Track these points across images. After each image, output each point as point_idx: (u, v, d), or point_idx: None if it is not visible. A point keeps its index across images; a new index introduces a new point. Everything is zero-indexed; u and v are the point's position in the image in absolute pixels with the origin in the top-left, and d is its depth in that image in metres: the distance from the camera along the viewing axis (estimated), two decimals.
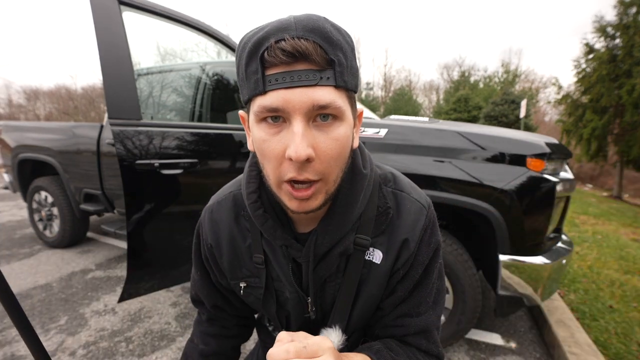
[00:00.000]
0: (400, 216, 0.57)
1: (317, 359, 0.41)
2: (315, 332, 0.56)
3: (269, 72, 0.43)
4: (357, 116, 0.51)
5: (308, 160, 0.43)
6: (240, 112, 0.57)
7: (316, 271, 0.56)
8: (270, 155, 0.45)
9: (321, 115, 0.44)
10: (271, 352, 0.40)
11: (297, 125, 0.42)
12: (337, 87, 0.44)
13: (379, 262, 0.56)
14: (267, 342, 0.77)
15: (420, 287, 0.60)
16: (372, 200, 0.57)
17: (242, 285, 0.63)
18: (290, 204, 0.48)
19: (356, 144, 0.52)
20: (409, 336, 0.60)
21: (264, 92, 0.43)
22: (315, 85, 0.42)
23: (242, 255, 0.62)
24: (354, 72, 0.47)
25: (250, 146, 0.54)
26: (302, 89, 0.42)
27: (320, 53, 0.42)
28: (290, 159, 0.43)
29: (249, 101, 0.47)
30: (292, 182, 0.46)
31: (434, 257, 0.59)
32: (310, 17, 0.43)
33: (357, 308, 0.57)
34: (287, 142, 0.43)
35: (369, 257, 0.57)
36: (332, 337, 0.55)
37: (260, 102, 0.44)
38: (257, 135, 0.46)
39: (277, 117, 0.44)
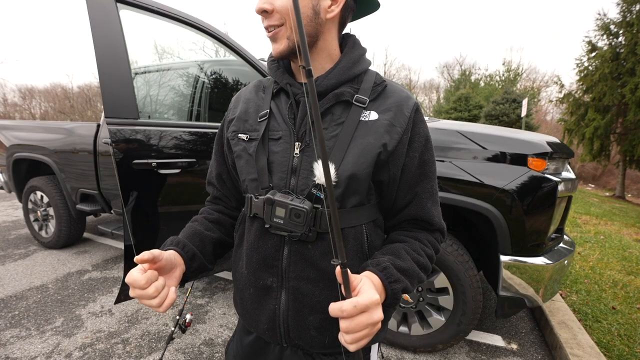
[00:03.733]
0: (394, 91, 0.70)
1: (367, 312, 0.50)
2: (301, 188, 0.65)
3: None
4: None
5: (266, 12, 0.63)
6: None
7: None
8: (257, 13, 0.66)
9: None
10: (330, 308, 0.50)
11: None
12: None
13: (374, 119, 0.66)
14: (250, 233, 0.74)
15: (425, 178, 0.71)
16: (370, 77, 0.70)
17: (242, 136, 0.73)
18: (272, 48, 0.67)
19: (329, 15, 0.64)
20: (420, 213, 0.71)
21: None
22: None
23: (251, 112, 0.74)
24: None
25: None
26: None
27: None
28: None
29: None
30: (265, 29, 0.66)
31: (427, 145, 0.70)
32: None
33: (352, 152, 0.64)
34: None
35: (365, 117, 0.66)
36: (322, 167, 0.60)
37: None
38: None
39: None
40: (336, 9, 0.64)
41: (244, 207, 0.76)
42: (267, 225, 0.66)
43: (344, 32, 0.73)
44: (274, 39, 0.65)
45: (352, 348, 0.51)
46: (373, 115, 0.66)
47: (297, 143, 0.67)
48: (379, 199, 0.73)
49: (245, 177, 0.72)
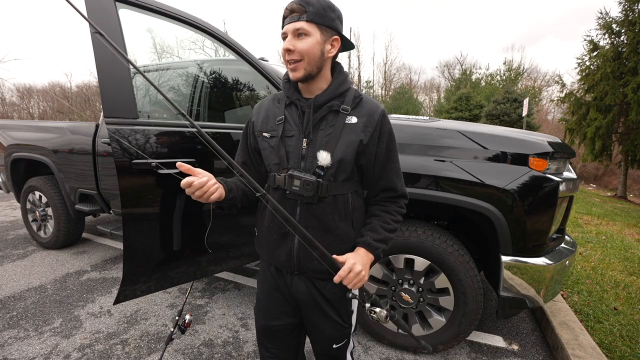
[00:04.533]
0: (367, 102, 1.04)
1: (352, 270, 0.94)
2: (307, 162, 1.00)
3: (285, 18, 0.98)
4: (330, 39, 0.98)
5: (289, 50, 0.94)
6: None
7: (314, 116, 1.00)
8: (284, 50, 0.98)
9: (299, 34, 0.94)
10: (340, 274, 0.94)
11: (289, 36, 0.96)
12: (307, 21, 0.93)
13: (354, 122, 1.00)
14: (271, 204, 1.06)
15: (390, 160, 1.06)
16: (351, 92, 1.04)
17: (266, 135, 1.06)
18: (291, 74, 0.99)
19: (329, 55, 1.00)
20: (389, 184, 1.07)
21: (282, 27, 0.98)
22: (297, 21, 0.93)
23: (270, 117, 1.08)
24: (324, 17, 0.95)
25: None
26: (293, 23, 0.94)
27: (299, 7, 0.93)
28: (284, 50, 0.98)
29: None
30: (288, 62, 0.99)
31: (390, 137, 1.05)
32: None
33: (340, 145, 0.98)
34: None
35: (348, 121, 1.00)
36: (323, 155, 0.96)
37: (282, 31, 0.99)
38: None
39: (285, 36, 0.97)
40: (334, 51, 1.00)
41: (267, 182, 1.09)
42: (287, 192, 1.00)
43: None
44: (294, 69, 0.97)
45: (354, 289, 0.97)
46: (354, 119, 1.00)
47: (304, 139, 1.00)
48: (360, 176, 1.08)
49: (270, 162, 1.06)
